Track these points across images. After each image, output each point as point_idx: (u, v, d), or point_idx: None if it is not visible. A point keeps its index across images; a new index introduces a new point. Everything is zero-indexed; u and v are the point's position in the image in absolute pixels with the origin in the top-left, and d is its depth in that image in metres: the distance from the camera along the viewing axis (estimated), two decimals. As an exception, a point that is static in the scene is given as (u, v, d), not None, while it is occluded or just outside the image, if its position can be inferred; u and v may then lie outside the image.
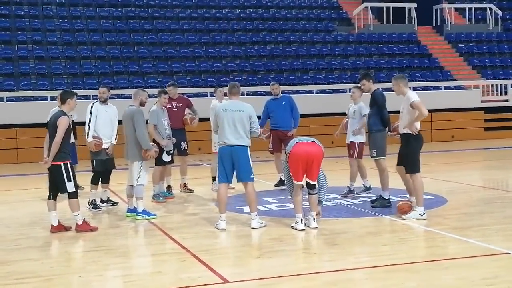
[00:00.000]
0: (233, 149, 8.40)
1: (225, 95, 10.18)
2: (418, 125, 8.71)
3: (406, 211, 8.85)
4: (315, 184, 8.35)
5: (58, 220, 8.66)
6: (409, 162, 8.79)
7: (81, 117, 11.08)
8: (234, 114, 8.41)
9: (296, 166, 8.24)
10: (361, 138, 10.69)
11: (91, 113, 10.19)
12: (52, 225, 8.64)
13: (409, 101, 8.63)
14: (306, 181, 8.32)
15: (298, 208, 8.34)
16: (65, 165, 8.38)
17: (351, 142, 10.75)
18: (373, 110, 9.85)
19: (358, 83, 10.35)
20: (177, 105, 11.59)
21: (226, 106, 8.57)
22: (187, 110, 11.72)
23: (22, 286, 6.24)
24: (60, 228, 8.61)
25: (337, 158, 11.29)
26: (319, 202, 8.59)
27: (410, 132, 8.66)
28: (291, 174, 8.32)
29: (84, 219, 8.59)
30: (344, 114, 11.37)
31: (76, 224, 8.56)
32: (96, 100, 10.54)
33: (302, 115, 12.82)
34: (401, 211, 8.92)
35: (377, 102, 9.77)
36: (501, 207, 9.73)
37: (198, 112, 11.77)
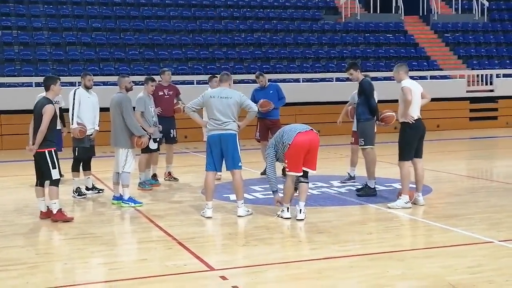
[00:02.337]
0: (222, 136, 8.38)
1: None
2: (415, 113, 8.67)
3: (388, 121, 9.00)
4: (308, 172, 8.32)
5: (47, 206, 8.58)
6: (401, 150, 8.77)
7: (65, 103, 11.01)
8: (223, 101, 8.39)
9: (298, 156, 8.08)
10: None
11: (74, 99, 10.12)
12: (41, 212, 8.58)
13: (400, 86, 8.64)
14: (303, 170, 8.23)
15: (287, 199, 8.31)
16: (50, 152, 8.30)
17: None
18: (361, 99, 9.85)
19: (345, 72, 10.34)
20: (169, 92, 11.55)
21: (215, 93, 8.54)
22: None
23: (7, 273, 6.20)
24: (48, 214, 8.54)
25: (323, 147, 11.29)
26: (275, 192, 8.51)
27: (406, 120, 8.66)
28: (288, 166, 8.15)
29: (60, 209, 8.43)
30: (331, 103, 11.36)
31: (45, 212, 8.45)
32: (78, 87, 10.48)
33: (289, 104, 12.82)
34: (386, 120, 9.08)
35: (365, 91, 9.78)
36: (485, 196, 9.81)
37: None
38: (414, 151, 8.82)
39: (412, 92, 8.57)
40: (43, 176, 8.48)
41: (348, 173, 11.09)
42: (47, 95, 8.50)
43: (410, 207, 8.74)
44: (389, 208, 8.75)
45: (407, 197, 8.82)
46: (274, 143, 8.43)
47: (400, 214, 8.51)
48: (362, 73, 10.13)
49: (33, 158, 8.51)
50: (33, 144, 8.28)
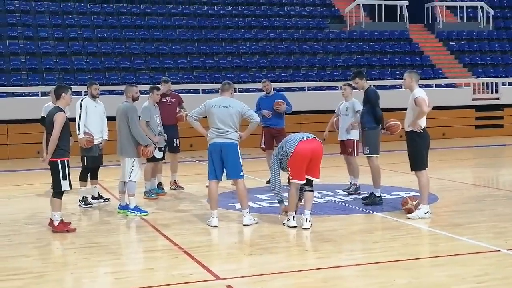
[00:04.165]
0: (222, 146, 8.40)
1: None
2: (423, 122, 8.64)
3: (409, 208, 8.86)
4: (312, 181, 8.33)
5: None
6: (413, 160, 8.73)
7: (71, 112, 11.01)
8: (224, 111, 8.41)
9: (301, 164, 8.11)
10: (357, 134, 10.66)
11: (81, 109, 10.14)
12: (50, 219, 8.51)
13: (414, 97, 8.62)
14: (307, 178, 8.24)
15: (293, 207, 8.31)
16: (62, 162, 8.25)
17: (348, 139, 10.71)
18: (366, 108, 9.85)
19: (351, 81, 10.34)
20: (171, 99, 11.57)
21: (216, 102, 8.56)
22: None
23: (13, 282, 6.21)
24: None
25: (328, 156, 11.33)
26: (281, 202, 8.54)
27: (414, 130, 8.65)
28: (291, 174, 8.17)
29: (61, 220, 8.40)
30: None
31: (53, 224, 8.40)
32: (85, 96, 10.50)
33: (294, 112, 12.82)
34: (405, 208, 8.94)
35: (370, 100, 9.77)
36: (491, 204, 9.77)
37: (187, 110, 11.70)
38: (427, 158, 8.79)
39: (425, 103, 8.54)
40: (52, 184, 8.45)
41: (350, 182, 11.06)
42: (57, 104, 8.49)
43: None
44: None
45: (427, 207, 8.73)
46: (278, 153, 8.45)
47: (406, 222, 8.49)
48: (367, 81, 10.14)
49: (49, 168, 8.46)
50: (47, 154, 8.26)
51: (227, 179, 8.73)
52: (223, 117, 8.39)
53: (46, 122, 8.42)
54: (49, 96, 9.84)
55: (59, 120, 8.18)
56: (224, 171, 8.51)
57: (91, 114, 10.16)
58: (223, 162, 8.44)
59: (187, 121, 11.34)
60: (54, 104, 8.76)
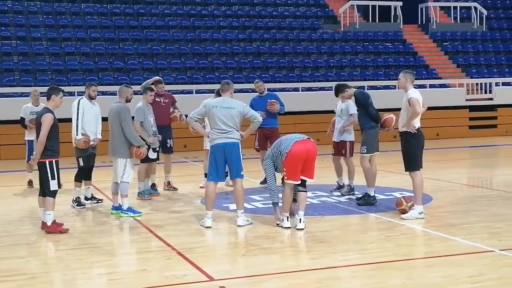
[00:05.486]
0: (226, 145, 8.38)
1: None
2: (417, 123, 8.63)
3: (403, 209, 8.85)
4: (306, 181, 8.31)
5: None
6: (408, 160, 8.72)
7: (65, 113, 10.93)
8: (225, 111, 8.38)
9: (295, 165, 8.10)
10: (350, 136, 10.64)
11: (78, 109, 10.08)
12: (42, 222, 8.52)
13: (408, 97, 8.61)
14: (301, 179, 8.22)
15: (287, 207, 8.29)
16: (50, 163, 8.25)
17: (341, 141, 10.70)
18: (361, 111, 9.84)
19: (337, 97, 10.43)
20: (165, 100, 11.53)
21: (217, 103, 8.54)
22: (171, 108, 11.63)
23: (6, 284, 6.17)
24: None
25: (322, 156, 11.31)
26: (275, 204, 8.51)
27: (408, 130, 8.64)
28: (286, 174, 8.16)
29: (54, 220, 8.36)
30: (330, 111, 11.36)
31: (45, 223, 8.34)
32: (81, 97, 10.44)
33: (288, 113, 12.81)
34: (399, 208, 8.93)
35: (359, 102, 9.78)
36: (486, 205, 9.78)
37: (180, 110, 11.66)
38: (421, 159, 8.78)
39: (419, 103, 8.53)
40: (42, 185, 8.44)
41: (337, 182, 11.03)
42: (47, 105, 8.47)
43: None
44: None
45: (421, 208, 8.74)
46: (271, 154, 8.43)
47: (400, 223, 8.48)
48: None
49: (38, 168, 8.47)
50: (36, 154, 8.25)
51: (230, 179, 8.71)
52: (225, 118, 8.37)
53: (36, 122, 8.40)
54: (43, 96, 9.77)
55: (46, 122, 8.16)
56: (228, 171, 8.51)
57: (87, 115, 10.11)
58: (226, 162, 8.43)
59: (186, 122, 11.31)
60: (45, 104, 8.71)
